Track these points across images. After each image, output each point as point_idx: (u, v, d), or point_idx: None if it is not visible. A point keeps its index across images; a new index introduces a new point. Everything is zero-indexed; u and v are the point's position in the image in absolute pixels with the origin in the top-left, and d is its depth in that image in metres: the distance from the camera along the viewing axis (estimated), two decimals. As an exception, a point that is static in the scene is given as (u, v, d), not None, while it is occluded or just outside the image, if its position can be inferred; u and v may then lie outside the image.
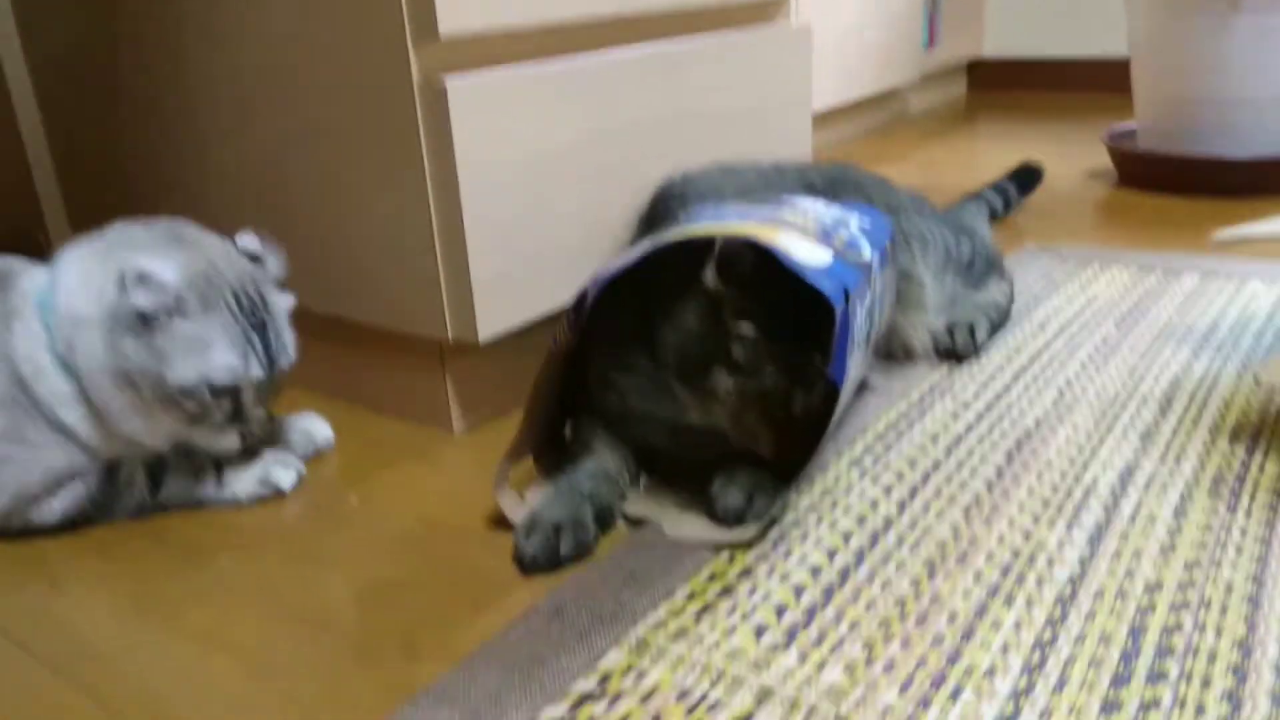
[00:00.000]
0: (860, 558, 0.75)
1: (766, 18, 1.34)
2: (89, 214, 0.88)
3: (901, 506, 0.82)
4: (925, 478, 0.86)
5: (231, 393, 0.85)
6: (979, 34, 3.12)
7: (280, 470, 0.92)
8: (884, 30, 2.46)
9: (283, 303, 0.90)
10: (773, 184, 1.11)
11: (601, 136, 1.06)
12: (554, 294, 1.04)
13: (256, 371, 0.85)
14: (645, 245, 0.80)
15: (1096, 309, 1.24)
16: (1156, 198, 1.78)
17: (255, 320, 0.85)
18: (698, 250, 0.80)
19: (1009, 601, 0.69)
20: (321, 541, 0.85)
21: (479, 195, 0.93)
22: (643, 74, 1.09)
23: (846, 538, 0.78)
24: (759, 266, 0.74)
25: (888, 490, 0.85)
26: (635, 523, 0.83)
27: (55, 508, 0.86)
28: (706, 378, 0.78)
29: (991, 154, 2.25)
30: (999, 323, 1.16)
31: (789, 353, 0.76)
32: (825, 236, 0.81)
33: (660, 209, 1.09)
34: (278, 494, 0.92)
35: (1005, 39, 3.11)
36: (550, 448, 0.92)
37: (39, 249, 0.99)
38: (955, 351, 1.09)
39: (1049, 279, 1.35)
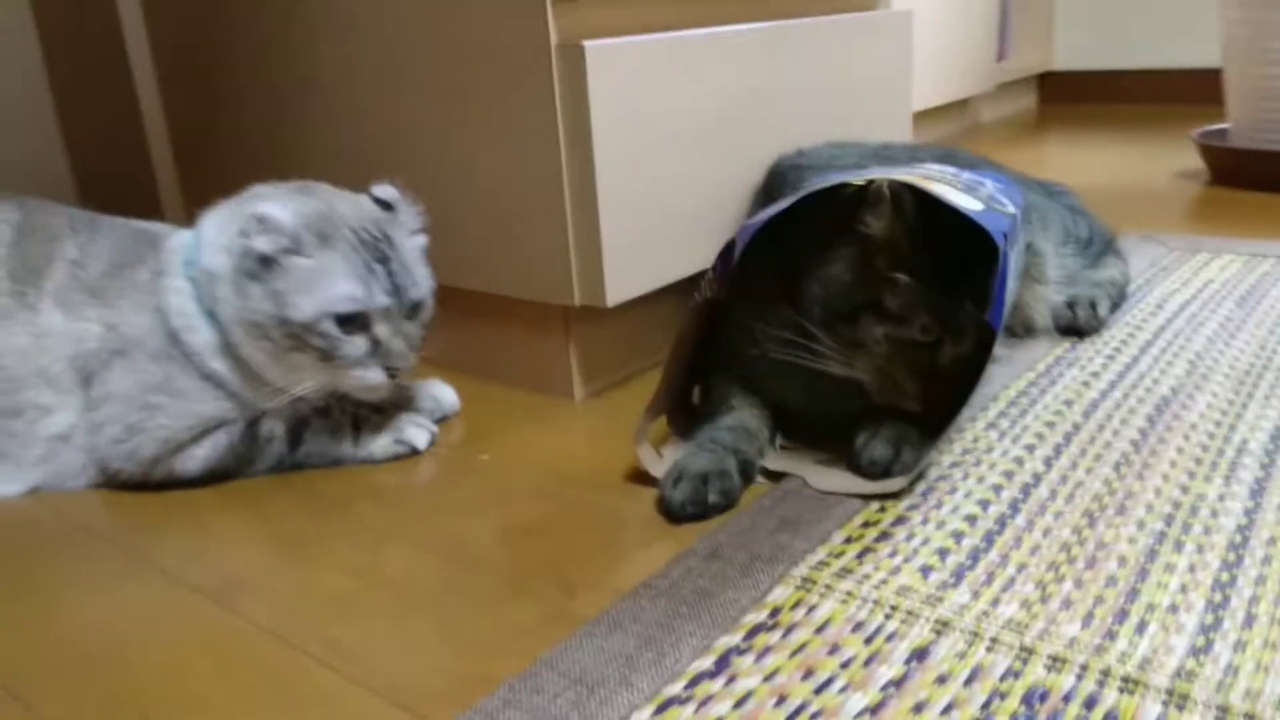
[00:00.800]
0: (1015, 508, 0.74)
1: (868, 4, 1.34)
2: (207, 201, 0.90)
3: (1048, 463, 0.81)
4: (1067, 438, 0.85)
5: (361, 323, 0.84)
6: (1049, 47, 3.11)
7: (414, 430, 0.93)
8: (957, 39, 2.46)
9: (413, 243, 0.90)
10: (885, 158, 1.11)
11: (722, 108, 1.07)
12: (678, 261, 1.05)
13: (381, 299, 0.83)
14: (790, 197, 0.80)
15: (1213, 291, 1.22)
16: (1253, 194, 1.75)
17: (379, 254, 0.84)
18: (842, 204, 0.80)
19: (1178, 547, 0.68)
20: (459, 493, 0.86)
21: (612, 159, 0.94)
22: (758, 50, 1.10)
23: (997, 490, 0.77)
24: (917, 209, 0.74)
25: (1030, 449, 0.84)
26: (776, 477, 0.82)
27: (198, 455, 0.87)
28: (855, 326, 0.78)
29: (1067, 162, 2.23)
30: (1118, 300, 1.14)
31: (943, 300, 0.75)
32: (970, 190, 0.81)
33: (778, 181, 1.09)
34: (413, 453, 0.93)
35: (1076, 52, 3.10)
36: (680, 410, 0.92)
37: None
38: (1077, 326, 1.08)
39: (1157, 264, 1.34)
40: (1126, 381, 0.96)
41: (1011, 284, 0.76)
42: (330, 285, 0.82)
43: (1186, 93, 2.85)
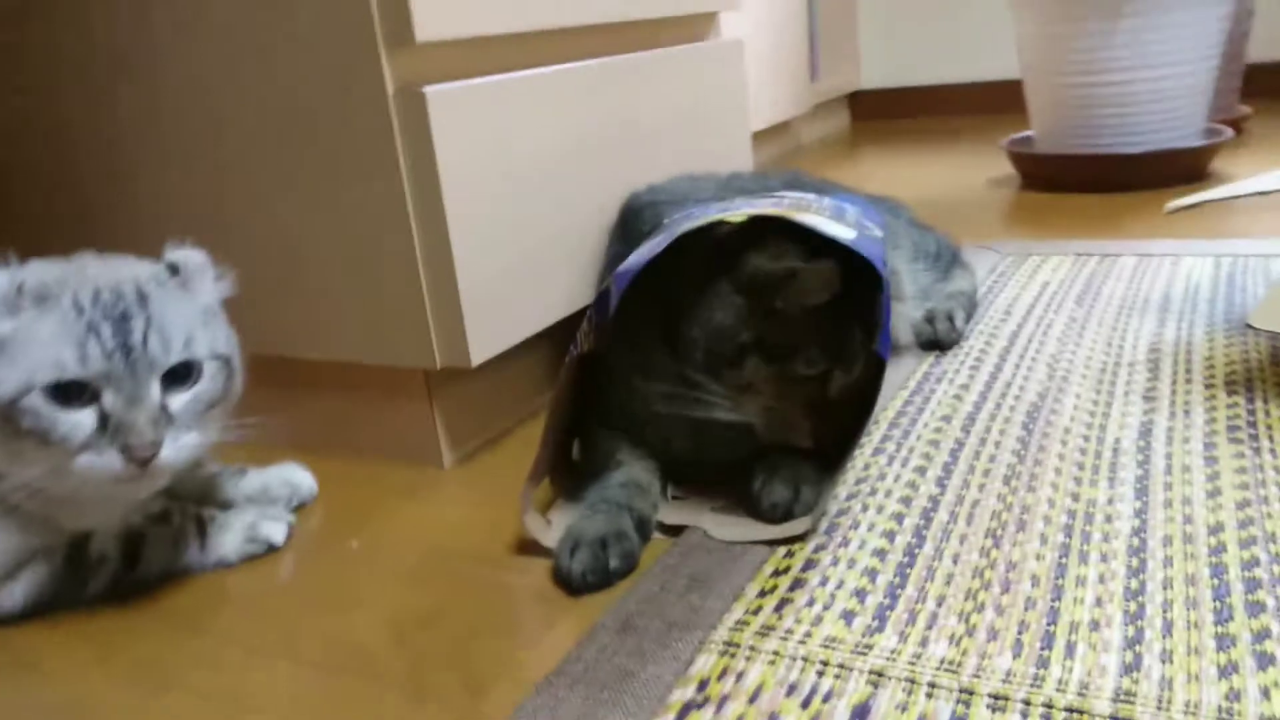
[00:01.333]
0: (920, 536, 0.73)
1: (700, 34, 1.34)
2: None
3: (940, 484, 0.80)
4: (954, 456, 0.85)
5: (87, 396, 0.68)
6: (856, 66, 3.25)
7: (269, 524, 0.84)
8: (773, 64, 2.53)
9: (189, 303, 0.75)
10: (737, 190, 1.10)
11: (572, 146, 1.03)
12: (540, 310, 1.00)
13: (98, 363, 0.67)
14: (662, 237, 0.77)
15: (1052, 293, 1.27)
16: (1063, 197, 1.86)
17: (115, 314, 0.69)
18: (716, 242, 0.78)
19: (1084, 559, 0.68)
20: (332, 588, 0.78)
21: (463, 208, 0.88)
22: (604, 85, 1.07)
23: (899, 518, 0.76)
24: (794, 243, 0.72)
25: (921, 471, 0.83)
26: (674, 530, 0.78)
27: (17, 592, 0.75)
28: (740, 369, 0.75)
29: (885, 176, 2.32)
30: (970, 310, 1.17)
31: (828, 329, 0.74)
32: (838, 217, 0.80)
33: (633, 218, 1.06)
34: (270, 550, 0.84)
35: (881, 70, 3.25)
36: (562, 468, 0.87)
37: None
38: (938, 340, 1.10)
39: (995, 271, 1.39)
40: (995, 391, 0.98)
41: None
42: (36, 352, 0.67)
43: (992, 103, 3.04)
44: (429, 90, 0.84)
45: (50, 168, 1.08)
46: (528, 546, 0.78)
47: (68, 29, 1.00)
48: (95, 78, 1.00)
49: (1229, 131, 1.90)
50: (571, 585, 0.72)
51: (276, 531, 0.84)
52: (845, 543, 0.73)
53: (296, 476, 0.92)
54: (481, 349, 0.92)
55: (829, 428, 0.76)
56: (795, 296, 0.73)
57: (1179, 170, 1.83)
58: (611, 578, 0.72)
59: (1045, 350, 1.07)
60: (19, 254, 0.72)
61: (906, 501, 0.78)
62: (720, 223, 0.78)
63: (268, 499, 0.90)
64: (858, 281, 0.74)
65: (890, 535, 0.74)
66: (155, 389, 0.69)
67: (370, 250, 0.91)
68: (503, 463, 0.98)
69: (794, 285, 0.72)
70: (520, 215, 0.96)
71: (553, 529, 0.78)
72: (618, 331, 0.80)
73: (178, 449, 0.70)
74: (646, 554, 0.76)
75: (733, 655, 0.62)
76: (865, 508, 0.78)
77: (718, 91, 1.32)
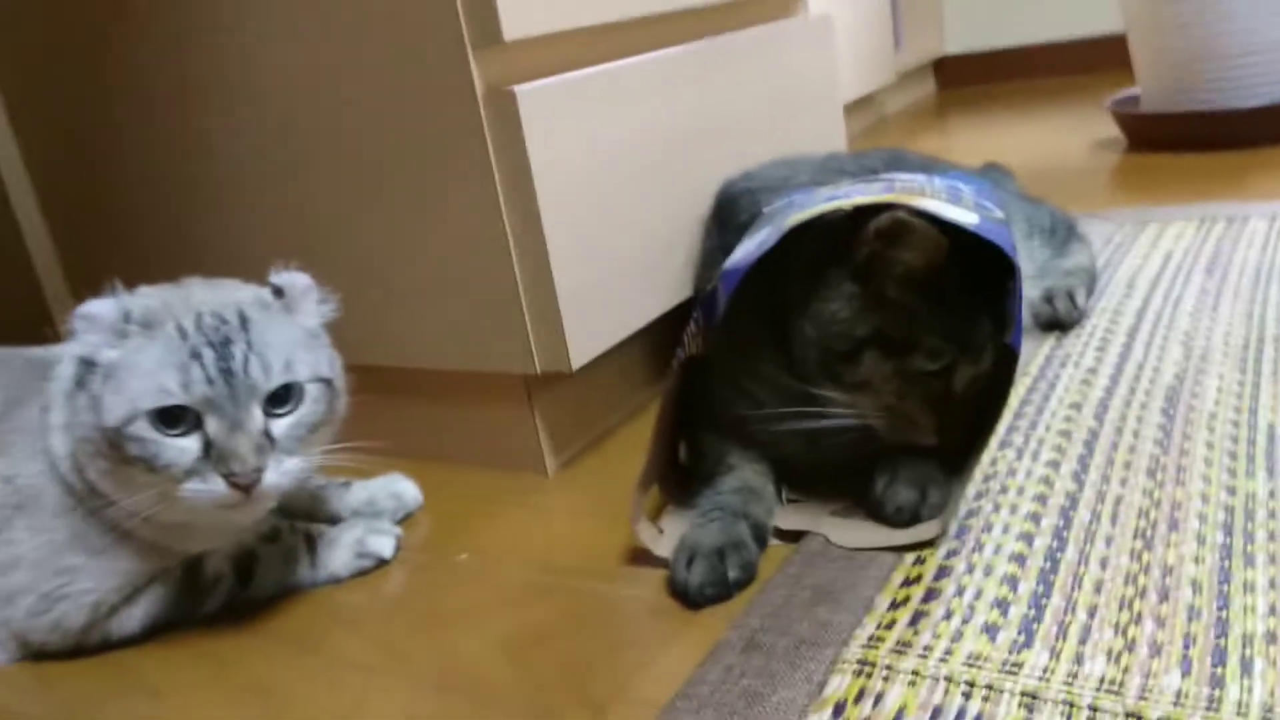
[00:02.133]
0: (1060, 539, 0.68)
1: (786, 11, 1.29)
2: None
3: (1078, 479, 0.75)
4: (1088, 447, 0.79)
5: (191, 422, 0.67)
6: (939, 32, 3.13)
7: (376, 538, 0.83)
8: (857, 36, 2.44)
9: (292, 327, 0.73)
10: (836, 171, 1.05)
11: (663, 137, 0.99)
12: (638, 308, 0.97)
13: (200, 389, 0.66)
14: (768, 231, 0.73)
15: (1176, 263, 1.19)
16: (1174, 157, 1.75)
17: (216, 339, 0.68)
18: (829, 231, 0.73)
19: (1249, 561, 0.62)
20: (444, 604, 0.76)
21: (558, 209, 0.85)
22: (691, 72, 1.03)
23: (1035, 519, 0.71)
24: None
25: (1054, 465, 0.78)
26: (792, 536, 0.75)
27: (136, 615, 0.76)
28: (857, 366, 0.71)
29: (977, 145, 2.22)
30: (1091, 287, 1.10)
31: (953, 319, 0.69)
32: (954, 200, 0.75)
33: (728, 207, 1.02)
34: (380, 564, 0.83)
35: (966, 34, 3.13)
36: (670, 473, 0.84)
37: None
38: (1059, 320, 1.03)
39: (1112, 242, 1.31)
40: (1127, 374, 0.91)
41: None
42: (141, 379, 0.66)
43: (1089, 62, 2.89)
44: (519, 89, 0.81)
45: (147, 198, 1.09)
46: (639, 557, 0.76)
47: (150, 58, 1.00)
48: (184, 103, 1.00)
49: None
50: (689, 598, 0.69)
51: (385, 545, 0.83)
52: (979, 547, 0.69)
53: (401, 487, 0.91)
54: (581, 352, 0.89)
55: (956, 425, 0.72)
56: (909, 262, 0.68)
57: (1304, 123, 1.71)
58: (731, 589, 0.69)
59: (1178, 326, 1.00)
60: (126, 285, 0.72)
61: (1042, 500, 0.73)
62: (830, 211, 0.74)
63: (374, 512, 0.89)
64: (983, 266, 0.69)
65: (1028, 538, 0.69)
66: (257, 414, 0.68)
67: (465, 255, 0.89)
68: (607, 466, 0.95)
69: (907, 243, 0.67)
70: (614, 212, 0.93)
71: (665, 538, 0.76)
72: (724, 331, 0.76)
73: (281, 474, 0.69)
74: (764, 562, 0.72)
75: (869, 675, 0.58)
76: (997, 508, 0.73)
77: (808, 70, 1.27)
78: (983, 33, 3.10)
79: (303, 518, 0.86)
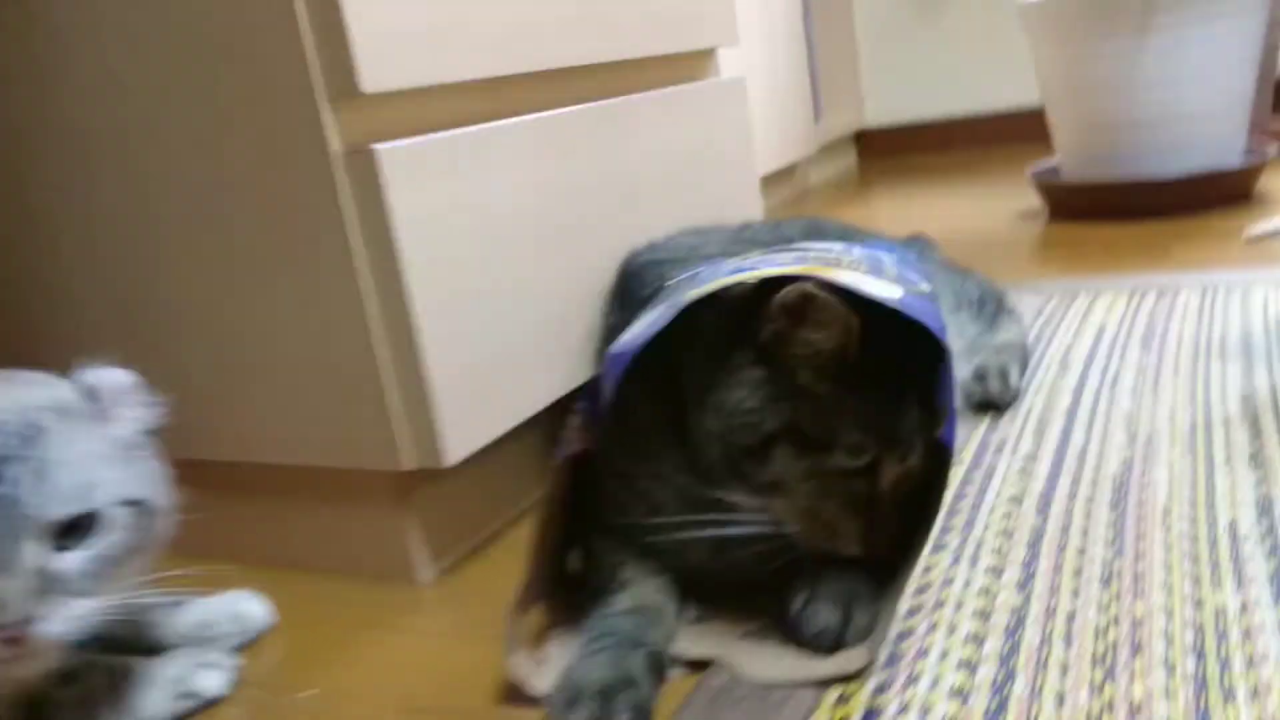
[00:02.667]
0: (1008, 667, 0.58)
1: (697, 74, 1.21)
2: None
3: (1023, 589, 0.65)
4: (1033, 550, 0.70)
5: None
6: (859, 104, 3.14)
7: (203, 674, 0.69)
8: (776, 107, 2.41)
9: (97, 440, 0.60)
10: (749, 241, 0.96)
11: (556, 204, 0.89)
12: (527, 394, 0.86)
13: None
14: (663, 309, 0.63)
15: (1110, 337, 1.12)
16: (1096, 227, 1.72)
17: None
18: (724, 311, 0.64)
19: (1228, 695, 0.52)
20: (277, 763, 0.63)
21: (429, 280, 0.74)
22: (583, 133, 0.94)
23: (978, 642, 0.60)
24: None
25: (995, 572, 0.68)
26: (695, 666, 0.63)
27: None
28: (767, 464, 0.60)
29: (900, 215, 2.18)
30: (1024, 363, 1.02)
31: (876, 408, 0.59)
32: (876, 272, 0.66)
33: (632, 282, 0.92)
34: (206, 705, 0.69)
35: (886, 107, 3.14)
36: (558, 584, 0.72)
37: None
38: (992, 400, 0.95)
39: (1042, 315, 1.24)
40: (1069, 462, 0.83)
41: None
42: None
43: (1008, 135, 2.90)
44: (380, 148, 0.71)
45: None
46: (517, 694, 0.63)
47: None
48: (8, 154, 0.87)
49: (1273, 148, 1.76)
50: (570, 751, 0.57)
51: (213, 682, 0.69)
52: (913, 679, 0.58)
53: (245, 607, 0.78)
54: (459, 445, 0.78)
55: (883, 531, 0.62)
56: (818, 343, 0.58)
57: (1222, 192, 1.69)
58: (620, 741, 0.57)
59: (1119, 406, 0.92)
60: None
61: (984, 616, 0.63)
62: (734, 285, 0.64)
63: (208, 637, 0.75)
64: (909, 347, 0.60)
65: (970, 667, 0.58)
66: (29, 550, 0.54)
67: (322, 334, 0.77)
68: (492, 575, 0.83)
69: (815, 321, 0.58)
70: (499, 285, 0.82)
71: (548, 669, 0.63)
72: (617, 424, 0.66)
73: (65, 621, 0.55)
74: (663, 697, 0.61)
75: None
76: (933, 627, 0.63)
77: (721, 134, 1.19)
78: (903, 105, 3.11)
79: (123, 646, 0.72)
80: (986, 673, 0.57)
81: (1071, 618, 0.61)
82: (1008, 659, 0.58)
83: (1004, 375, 0.96)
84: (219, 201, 0.78)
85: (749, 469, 0.61)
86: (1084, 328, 1.17)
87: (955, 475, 0.83)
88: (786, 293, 0.58)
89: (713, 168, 1.17)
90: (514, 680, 0.63)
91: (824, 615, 0.61)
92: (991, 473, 0.83)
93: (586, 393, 0.62)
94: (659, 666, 0.62)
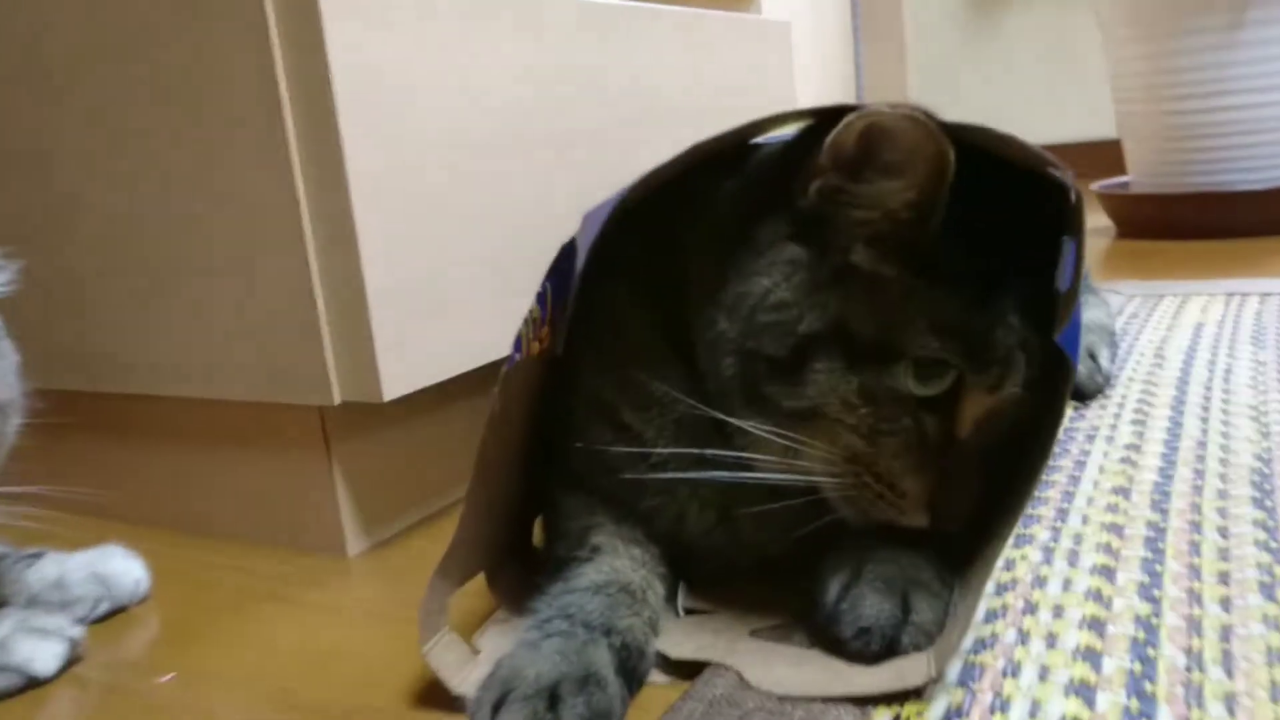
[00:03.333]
0: (1140, 691, 0.39)
1: (737, 2, 1.06)
2: None
3: (1148, 594, 0.47)
4: (1154, 548, 0.51)
5: None
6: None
7: (29, 643, 0.52)
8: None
9: None
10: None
11: (544, 105, 0.73)
12: (493, 334, 0.68)
13: None
14: (671, 159, 0.45)
15: (1213, 334, 0.93)
16: (1172, 245, 1.53)
17: None
18: (752, 177, 0.47)
19: None
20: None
21: (375, 173, 0.58)
22: (594, 28, 0.78)
23: (1092, 660, 0.42)
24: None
25: (1106, 574, 0.49)
26: (689, 671, 0.45)
27: None
28: (802, 383, 0.43)
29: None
30: (1114, 348, 0.84)
31: (962, 310, 0.41)
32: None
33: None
34: (30, 685, 0.51)
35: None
36: (512, 560, 0.54)
37: None
38: (1077, 386, 0.77)
39: (1123, 313, 1.06)
40: (1185, 453, 0.64)
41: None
42: None
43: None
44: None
45: None
46: (437, 693, 0.45)
47: None
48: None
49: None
50: (491, 775, 0.39)
51: (40, 657, 0.52)
52: (1001, 704, 0.40)
53: (114, 567, 0.61)
54: (400, 378, 0.61)
55: (960, 492, 0.43)
56: (891, 197, 0.41)
57: (1317, 211, 1.51)
58: (565, 760, 0.39)
59: (1238, 399, 0.74)
60: None
61: (1096, 627, 0.44)
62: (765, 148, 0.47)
63: (61, 601, 0.58)
64: (1007, 231, 0.43)
65: (1086, 691, 0.40)
66: None
67: (240, 237, 0.61)
68: (436, 554, 0.65)
69: (889, 162, 0.41)
70: (466, 196, 0.66)
71: (477, 663, 0.46)
72: (595, 333, 0.48)
73: None
74: (637, 711, 0.42)
75: None
76: (1024, 636, 0.44)
77: (760, 77, 1.03)
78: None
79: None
80: (1111, 700, 0.39)
81: (1227, 634, 0.43)
82: (1139, 683, 0.40)
83: (1092, 357, 0.78)
84: (122, 63, 0.62)
85: (775, 390, 0.43)
86: (1177, 325, 0.98)
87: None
88: (848, 123, 0.40)
89: (751, 112, 1.00)
90: (435, 673, 0.45)
91: (872, 606, 0.43)
92: (1083, 462, 0.65)
93: (552, 270, 0.45)
94: (634, 666, 0.44)
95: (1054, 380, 0.44)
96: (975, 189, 0.41)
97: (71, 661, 0.53)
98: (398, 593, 0.60)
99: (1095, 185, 1.75)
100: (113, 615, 0.60)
